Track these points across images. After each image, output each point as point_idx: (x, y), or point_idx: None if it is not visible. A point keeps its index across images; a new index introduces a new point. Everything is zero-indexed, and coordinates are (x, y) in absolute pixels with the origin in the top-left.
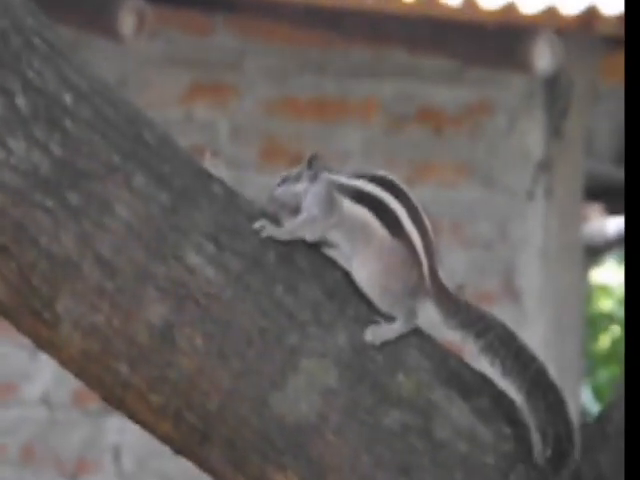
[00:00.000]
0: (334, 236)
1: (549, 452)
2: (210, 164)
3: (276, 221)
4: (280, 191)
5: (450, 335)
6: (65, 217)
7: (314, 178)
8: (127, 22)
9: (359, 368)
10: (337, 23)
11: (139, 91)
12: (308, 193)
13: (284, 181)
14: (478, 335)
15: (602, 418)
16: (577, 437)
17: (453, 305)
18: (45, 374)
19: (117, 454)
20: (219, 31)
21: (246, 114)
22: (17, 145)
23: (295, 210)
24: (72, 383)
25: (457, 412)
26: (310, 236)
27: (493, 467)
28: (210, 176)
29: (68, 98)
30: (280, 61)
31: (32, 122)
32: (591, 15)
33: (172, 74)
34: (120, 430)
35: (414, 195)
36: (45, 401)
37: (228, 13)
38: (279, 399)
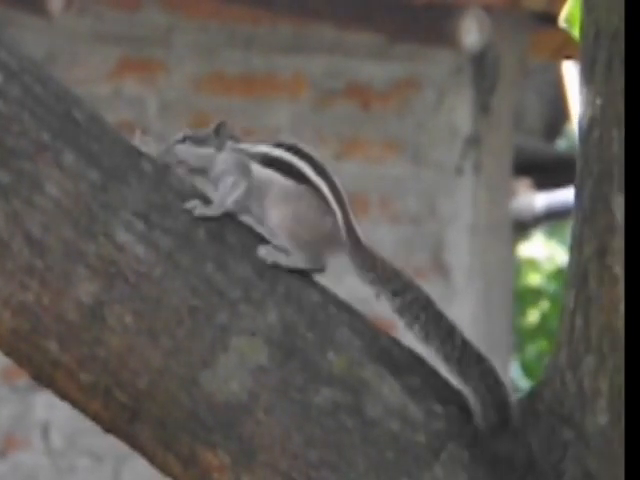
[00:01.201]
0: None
1: (492, 415)
2: (140, 142)
3: (206, 200)
4: (182, 149)
5: (367, 289)
6: None
7: (221, 146)
8: None
9: (290, 346)
10: None
11: (68, 67)
12: (217, 161)
13: (186, 139)
14: (395, 293)
15: (532, 395)
16: (514, 402)
17: (369, 260)
18: None
19: (46, 431)
20: (147, 7)
21: (175, 90)
22: None
23: (193, 171)
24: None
25: (388, 390)
26: (234, 205)
27: (424, 446)
28: (140, 154)
29: None
30: (208, 37)
31: None
32: None
33: (100, 50)
34: (49, 407)
35: (320, 157)
36: None
37: None
38: (209, 378)
